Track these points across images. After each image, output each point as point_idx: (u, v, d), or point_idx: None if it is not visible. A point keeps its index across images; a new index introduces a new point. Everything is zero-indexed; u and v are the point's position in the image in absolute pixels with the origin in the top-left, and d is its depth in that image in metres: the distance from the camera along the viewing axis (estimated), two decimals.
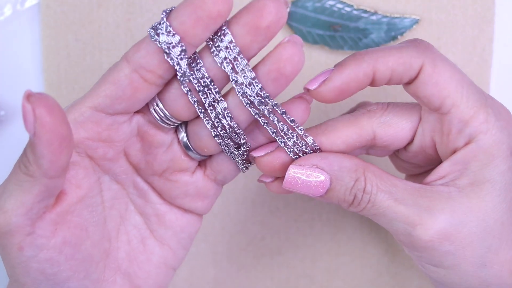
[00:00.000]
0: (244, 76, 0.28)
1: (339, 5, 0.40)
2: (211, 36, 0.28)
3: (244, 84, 0.28)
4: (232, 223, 0.43)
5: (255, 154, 0.31)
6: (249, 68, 0.28)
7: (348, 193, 0.30)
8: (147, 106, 0.30)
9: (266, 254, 0.43)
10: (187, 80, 0.28)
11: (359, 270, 0.43)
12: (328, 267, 0.43)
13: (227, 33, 0.27)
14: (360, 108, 0.33)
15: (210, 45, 0.28)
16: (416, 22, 0.41)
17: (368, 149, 0.33)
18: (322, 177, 0.30)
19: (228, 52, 0.28)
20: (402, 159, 0.34)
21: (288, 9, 0.28)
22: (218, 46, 0.28)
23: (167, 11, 0.27)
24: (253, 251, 0.43)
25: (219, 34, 0.28)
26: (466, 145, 0.30)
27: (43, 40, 0.42)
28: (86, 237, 0.30)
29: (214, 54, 0.28)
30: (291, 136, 0.30)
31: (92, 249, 0.31)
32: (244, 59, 0.28)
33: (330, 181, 0.30)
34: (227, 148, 0.30)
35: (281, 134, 0.30)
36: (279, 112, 0.30)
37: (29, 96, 0.24)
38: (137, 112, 0.30)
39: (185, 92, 0.28)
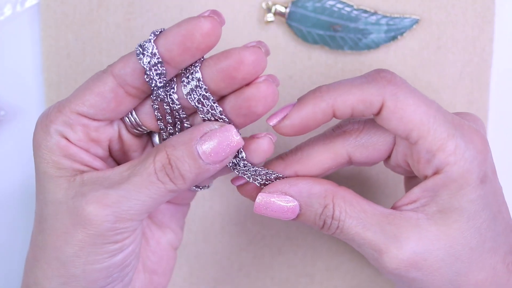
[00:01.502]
0: (212, 113, 0.29)
1: (339, 5, 0.40)
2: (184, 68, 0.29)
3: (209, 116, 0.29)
4: (232, 223, 0.43)
5: (235, 182, 0.33)
6: (216, 105, 0.29)
7: (318, 219, 0.31)
8: None
9: (266, 254, 0.43)
10: (158, 100, 0.29)
11: (359, 268, 0.43)
12: (328, 266, 0.43)
13: (198, 71, 0.28)
14: (336, 127, 0.33)
15: (182, 77, 0.29)
16: (416, 22, 0.41)
17: (349, 164, 0.33)
18: (291, 203, 0.31)
19: (197, 89, 0.29)
20: None
21: (267, 56, 0.28)
22: (188, 81, 0.29)
23: (156, 33, 0.28)
24: (253, 251, 0.43)
25: (191, 70, 0.29)
26: (435, 174, 0.30)
27: (43, 40, 0.42)
28: None
29: (183, 86, 0.29)
30: (253, 171, 0.31)
31: None
32: (210, 98, 0.29)
33: (299, 207, 0.31)
34: None
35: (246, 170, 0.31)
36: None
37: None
38: None
39: (154, 109, 0.30)
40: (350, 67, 0.41)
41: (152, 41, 0.28)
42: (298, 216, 0.31)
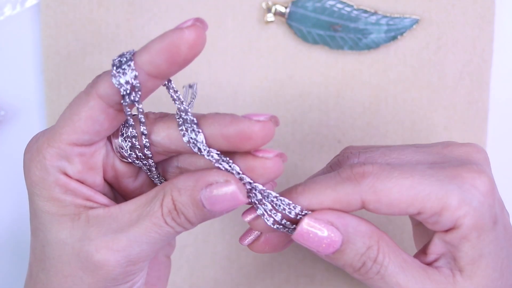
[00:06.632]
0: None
1: (339, 5, 0.40)
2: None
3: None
4: (232, 223, 0.43)
5: (244, 218, 0.31)
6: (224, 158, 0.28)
7: (358, 259, 0.29)
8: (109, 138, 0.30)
9: (266, 254, 0.43)
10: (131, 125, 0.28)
11: None
12: (328, 266, 0.43)
13: (200, 133, 0.27)
14: (344, 160, 0.31)
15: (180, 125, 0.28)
16: (416, 22, 0.41)
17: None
18: (335, 236, 0.29)
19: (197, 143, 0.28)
20: None
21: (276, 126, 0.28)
22: (187, 133, 0.28)
23: (130, 55, 0.27)
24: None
25: (191, 127, 0.28)
26: (451, 230, 0.29)
27: (43, 40, 0.42)
28: None
29: (183, 134, 0.28)
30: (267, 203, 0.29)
31: None
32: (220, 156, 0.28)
33: (341, 242, 0.29)
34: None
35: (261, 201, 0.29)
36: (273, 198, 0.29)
37: None
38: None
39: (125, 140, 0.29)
40: (350, 67, 0.41)
41: (131, 61, 0.27)
42: (335, 252, 0.29)
